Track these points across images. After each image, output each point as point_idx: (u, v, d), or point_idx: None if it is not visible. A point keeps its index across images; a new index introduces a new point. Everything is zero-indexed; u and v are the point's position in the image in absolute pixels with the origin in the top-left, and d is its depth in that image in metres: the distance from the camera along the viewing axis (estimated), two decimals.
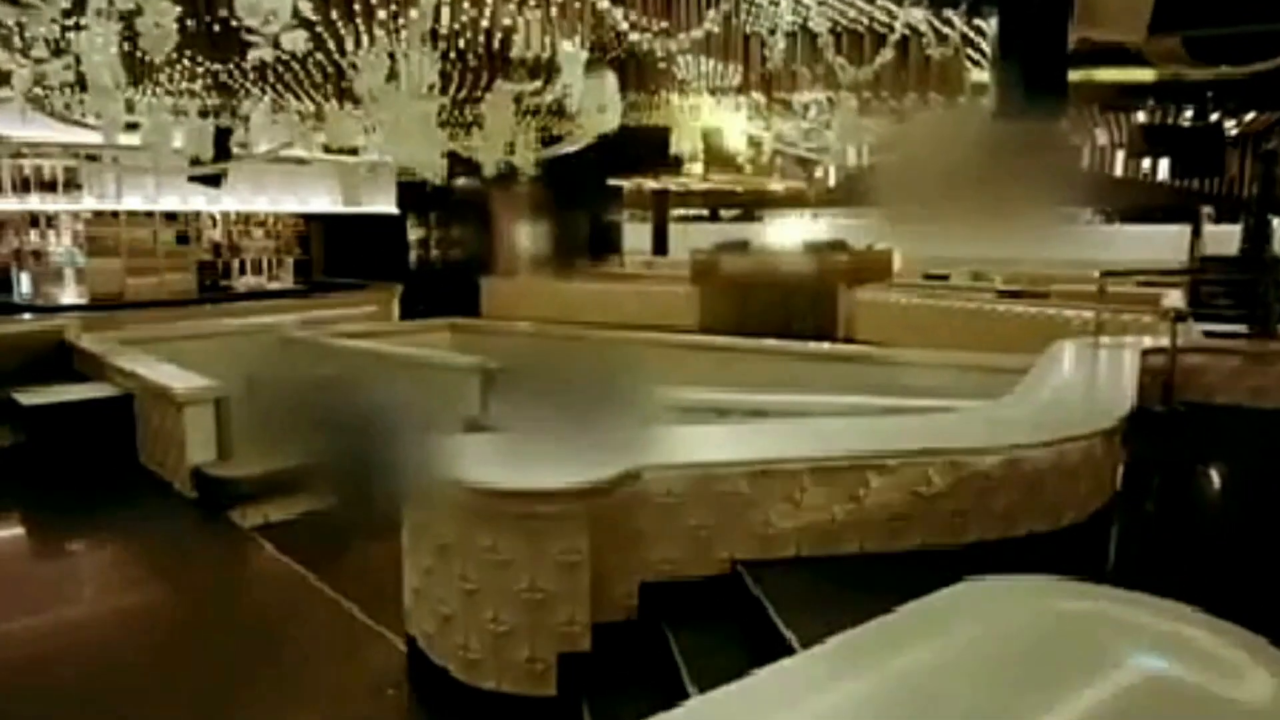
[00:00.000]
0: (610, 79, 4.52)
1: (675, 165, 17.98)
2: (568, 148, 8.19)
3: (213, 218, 11.71)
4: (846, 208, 21.83)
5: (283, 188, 11.60)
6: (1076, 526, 3.67)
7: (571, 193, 18.30)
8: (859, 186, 20.25)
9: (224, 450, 5.38)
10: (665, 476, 3.15)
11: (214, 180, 8.67)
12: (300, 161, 10.94)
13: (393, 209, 13.70)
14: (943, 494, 3.36)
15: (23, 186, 9.82)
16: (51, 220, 10.15)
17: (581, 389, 6.89)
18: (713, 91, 5.53)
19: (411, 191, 15.00)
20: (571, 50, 4.03)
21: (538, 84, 4.34)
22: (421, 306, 16.25)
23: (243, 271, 12.34)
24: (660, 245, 19.65)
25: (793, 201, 21.81)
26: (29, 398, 5.66)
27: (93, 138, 8.36)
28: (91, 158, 9.28)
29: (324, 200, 12.16)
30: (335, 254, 15.70)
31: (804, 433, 3.64)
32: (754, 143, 6.98)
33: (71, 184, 9.86)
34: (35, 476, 5.37)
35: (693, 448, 3.34)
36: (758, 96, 5.95)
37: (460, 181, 18.55)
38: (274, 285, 12.49)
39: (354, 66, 4.24)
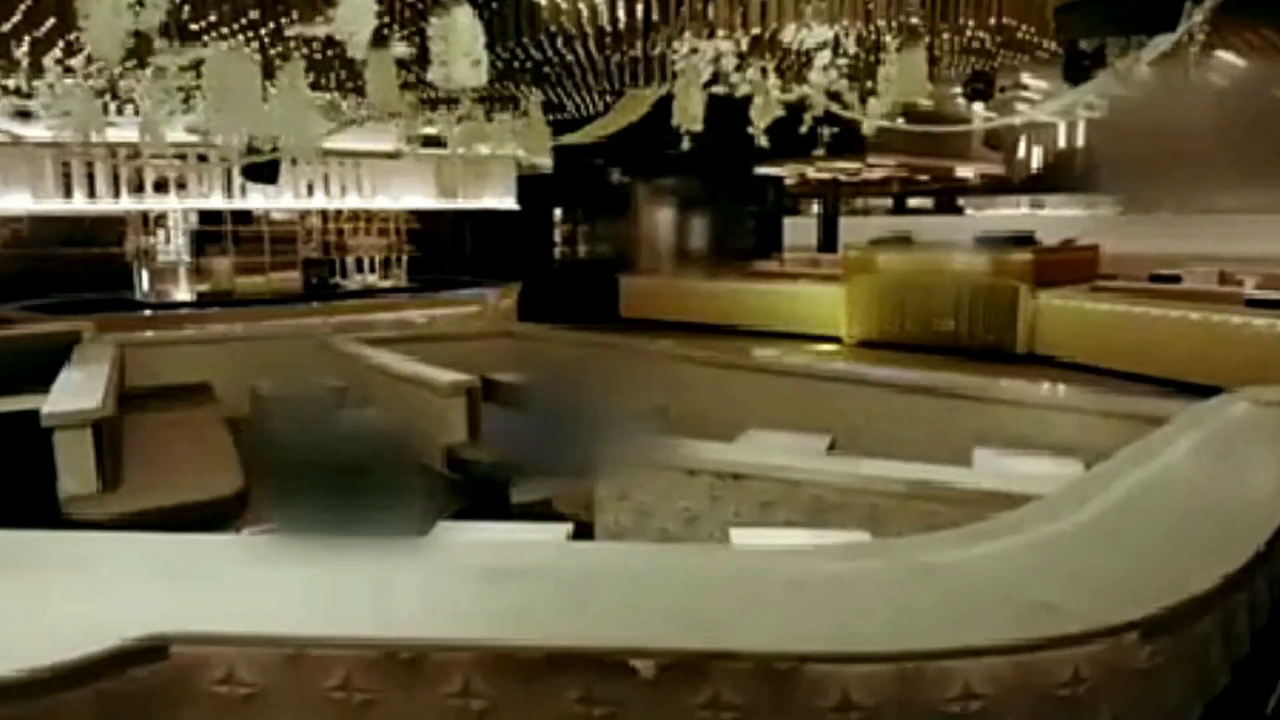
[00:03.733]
0: (463, 19, 3.23)
1: (852, 150, 15.94)
2: (602, 130, 6.90)
3: (323, 214, 11.67)
4: (1065, 194, 18.42)
5: (377, 184, 11.27)
6: None
7: (721, 184, 16.85)
8: (1073, 168, 16.95)
9: (108, 481, 4.73)
10: (224, 655, 1.85)
11: (268, 176, 8.32)
12: (392, 155, 10.50)
13: (511, 203, 13.05)
14: None
15: (139, 188, 10.11)
16: (161, 220, 10.48)
17: (571, 421, 5.57)
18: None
19: (539, 185, 14.36)
20: None
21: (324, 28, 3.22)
22: (565, 306, 15.66)
23: (359, 269, 12.26)
24: (829, 240, 17.63)
25: (994, 187, 18.75)
26: None
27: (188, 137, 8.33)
28: (180, 156, 9.35)
29: (419, 196, 11.72)
30: (468, 250, 15.46)
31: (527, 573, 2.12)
32: (771, 105, 5.22)
33: (179, 184, 10.04)
34: None
35: (295, 599, 2.00)
36: (733, 39, 4.34)
37: (610, 175, 17.76)
38: (386, 283, 12.29)
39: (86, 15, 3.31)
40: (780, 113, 5.01)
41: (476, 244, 15.72)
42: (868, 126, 5.01)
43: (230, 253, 10.91)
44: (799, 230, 18.79)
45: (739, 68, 4.67)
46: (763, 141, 4.90)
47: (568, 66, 5.43)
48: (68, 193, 9.75)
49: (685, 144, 6.72)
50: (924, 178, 18.13)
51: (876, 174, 17.30)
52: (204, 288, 10.58)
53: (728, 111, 6.25)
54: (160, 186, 10.02)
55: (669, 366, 7.46)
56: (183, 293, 10.52)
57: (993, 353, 11.80)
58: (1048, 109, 5.78)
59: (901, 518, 4.04)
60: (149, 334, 7.72)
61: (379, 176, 11.17)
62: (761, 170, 17.18)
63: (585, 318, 15.21)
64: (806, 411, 6.44)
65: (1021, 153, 16.77)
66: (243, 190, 9.77)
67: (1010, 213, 20.41)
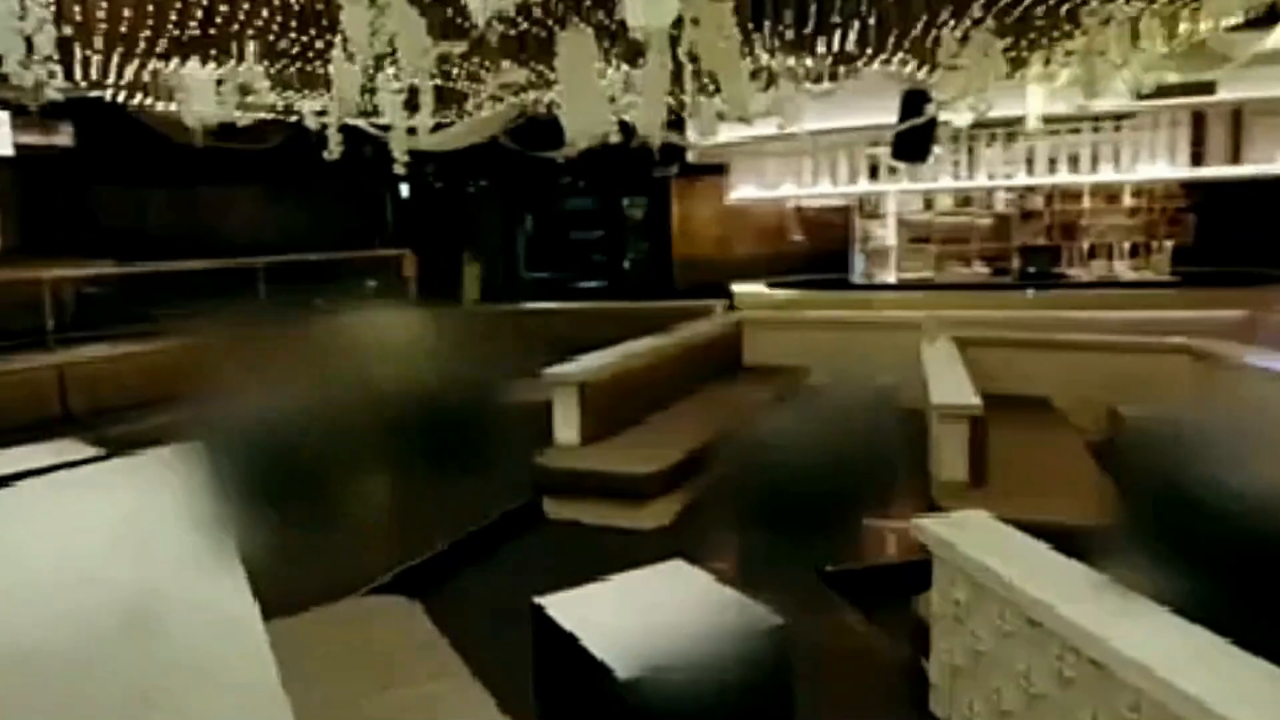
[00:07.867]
0: None
1: None
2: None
3: (1049, 194, 10.14)
4: None
5: (1115, 154, 9.09)
6: None
7: None
8: None
9: (587, 436, 5.25)
10: None
11: (916, 154, 7.65)
12: (1121, 117, 8.39)
13: None
14: None
15: (872, 173, 10.53)
16: (878, 206, 10.74)
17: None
18: None
19: None
20: None
21: None
22: None
23: (1095, 256, 10.30)
24: None
25: None
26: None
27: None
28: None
29: (1163, 165, 8.90)
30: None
31: None
32: None
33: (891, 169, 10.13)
34: None
35: None
36: None
37: None
38: (1132, 276, 9.98)
39: None
40: None
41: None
42: None
43: (934, 239, 10.56)
44: None
45: None
46: None
47: None
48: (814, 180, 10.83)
49: None
50: None
51: None
52: (908, 274, 10.53)
53: None
54: (875, 173, 10.27)
55: None
56: (889, 277, 10.69)
57: None
58: None
59: None
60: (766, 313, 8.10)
61: (1119, 145, 9.10)
62: None
63: None
64: None
65: None
66: (962, 172, 9.27)
67: None
